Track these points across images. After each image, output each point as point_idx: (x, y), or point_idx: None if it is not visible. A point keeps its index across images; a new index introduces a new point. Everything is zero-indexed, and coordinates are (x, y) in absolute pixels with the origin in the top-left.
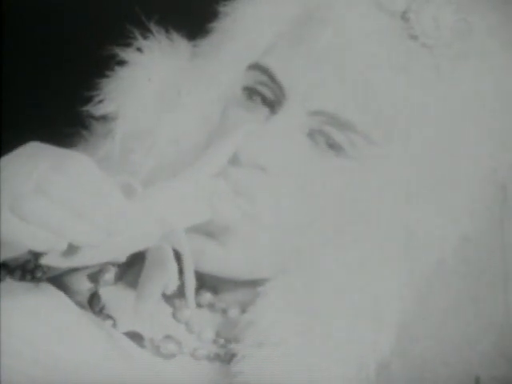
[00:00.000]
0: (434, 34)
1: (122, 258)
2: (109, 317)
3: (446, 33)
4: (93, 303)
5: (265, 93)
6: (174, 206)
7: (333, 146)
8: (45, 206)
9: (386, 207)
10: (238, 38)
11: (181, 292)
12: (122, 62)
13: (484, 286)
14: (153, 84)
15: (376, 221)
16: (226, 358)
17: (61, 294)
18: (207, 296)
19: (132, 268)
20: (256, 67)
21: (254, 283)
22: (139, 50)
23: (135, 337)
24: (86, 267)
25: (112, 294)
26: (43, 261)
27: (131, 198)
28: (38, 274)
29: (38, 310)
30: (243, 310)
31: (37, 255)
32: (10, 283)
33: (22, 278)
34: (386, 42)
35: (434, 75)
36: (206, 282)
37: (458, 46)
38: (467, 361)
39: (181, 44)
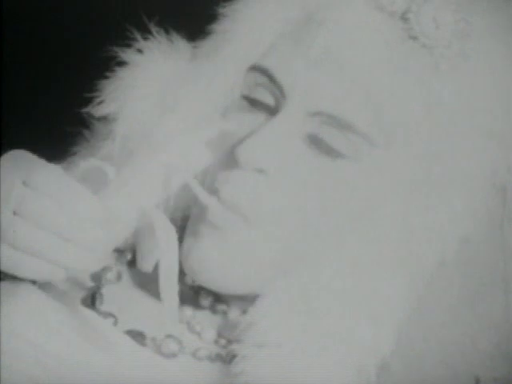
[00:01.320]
0: (433, 34)
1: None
2: (110, 315)
3: (446, 33)
4: (95, 302)
5: (265, 95)
6: (146, 187)
7: (333, 147)
8: (29, 232)
9: (386, 208)
10: (238, 40)
11: (183, 292)
12: (122, 63)
13: (484, 287)
14: (153, 85)
15: (376, 222)
16: (228, 359)
17: (62, 293)
18: (209, 298)
19: (134, 267)
20: (256, 69)
21: None
22: (139, 50)
23: (137, 336)
24: None
25: (114, 292)
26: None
27: (104, 189)
28: None
29: (38, 309)
30: (244, 311)
31: None
32: (10, 283)
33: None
34: (385, 43)
35: (433, 76)
36: None
37: (457, 47)
38: (467, 362)
39: (181, 45)
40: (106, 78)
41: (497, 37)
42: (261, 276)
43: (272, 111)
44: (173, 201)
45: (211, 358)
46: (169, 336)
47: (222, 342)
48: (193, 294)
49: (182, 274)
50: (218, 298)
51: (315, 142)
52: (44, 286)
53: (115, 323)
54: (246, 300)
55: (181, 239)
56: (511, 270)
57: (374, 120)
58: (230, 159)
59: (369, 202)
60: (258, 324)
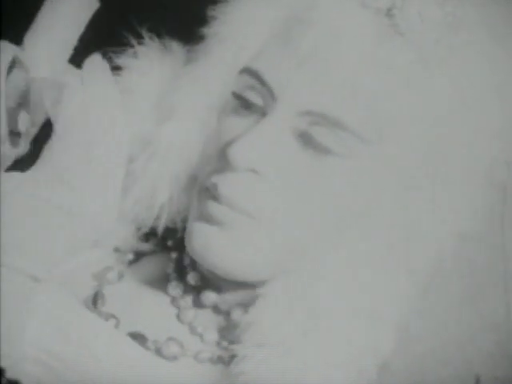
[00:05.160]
0: (419, 29)
1: None
2: (112, 317)
3: (433, 28)
4: (96, 302)
5: (255, 97)
6: None
7: (324, 145)
8: None
9: (384, 206)
10: (228, 42)
11: (186, 293)
12: (117, 68)
13: (484, 285)
14: (148, 89)
15: (374, 220)
16: (229, 361)
17: (64, 294)
18: (212, 296)
19: (135, 267)
20: (246, 71)
21: (255, 284)
22: (134, 55)
23: (138, 338)
24: None
25: (115, 293)
26: None
27: None
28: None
29: (40, 309)
30: (246, 312)
31: None
32: (11, 283)
33: None
34: (372, 40)
35: (423, 71)
36: (210, 283)
37: (446, 41)
38: (468, 360)
39: (175, 49)
40: None
41: (486, 28)
42: (261, 263)
43: (263, 113)
44: (175, 202)
45: (213, 360)
46: (170, 338)
47: (224, 343)
48: (195, 294)
49: (183, 274)
50: (220, 298)
51: (307, 141)
52: (47, 285)
53: (117, 325)
54: (248, 300)
55: (182, 240)
56: (511, 268)
57: (364, 117)
58: (222, 160)
59: (366, 199)
60: (258, 324)
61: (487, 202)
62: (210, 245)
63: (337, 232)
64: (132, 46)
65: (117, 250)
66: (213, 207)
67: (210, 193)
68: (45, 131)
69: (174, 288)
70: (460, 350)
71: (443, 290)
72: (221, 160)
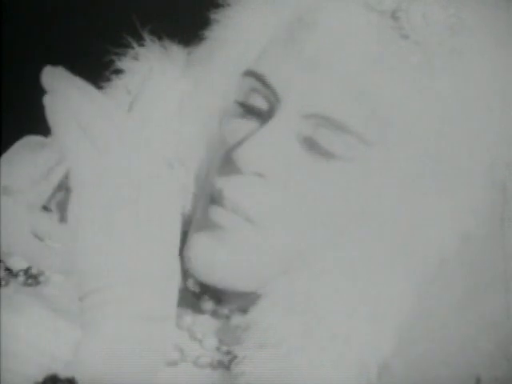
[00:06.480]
0: (424, 31)
1: None
2: None
3: (438, 30)
4: None
5: (258, 101)
6: None
7: (328, 148)
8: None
9: (385, 208)
10: (230, 46)
11: (184, 299)
12: (118, 71)
13: (485, 286)
14: (150, 92)
15: (376, 221)
16: (229, 365)
17: (63, 296)
18: (211, 302)
19: None
20: (249, 74)
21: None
22: (135, 57)
23: None
24: None
25: None
26: None
27: None
28: (42, 279)
29: (40, 313)
30: (246, 313)
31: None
32: (12, 287)
33: (25, 283)
34: (376, 42)
35: (427, 73)
36: (209, 289)
37: (450, 43)
38: (468, 361)
39: (176, 52)
40: (103, 86)
41: (489, 31)
42: (262, 273)
43: (267, 116)
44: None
45: (213, 365)
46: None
47: (224, 348)
48: (194, 300)
49: (182, 280)
50: (219, 303)
51: (311, 144)
52: (46, 289)
53: None
54: (248, 303)
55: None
56: (511, 268)
57: (368, 120)
58: (227, 164)
59: (368, 201)
60: (258, 324)
61: (488, 203)
62: (210, 260)
63: (338, 233)
64: (133, 48)
65: None
66: (217, 212)
67: (213, 198)
68: None
69: None
70: (460, 350)
71: (444, 291)
72: (225, 164)
